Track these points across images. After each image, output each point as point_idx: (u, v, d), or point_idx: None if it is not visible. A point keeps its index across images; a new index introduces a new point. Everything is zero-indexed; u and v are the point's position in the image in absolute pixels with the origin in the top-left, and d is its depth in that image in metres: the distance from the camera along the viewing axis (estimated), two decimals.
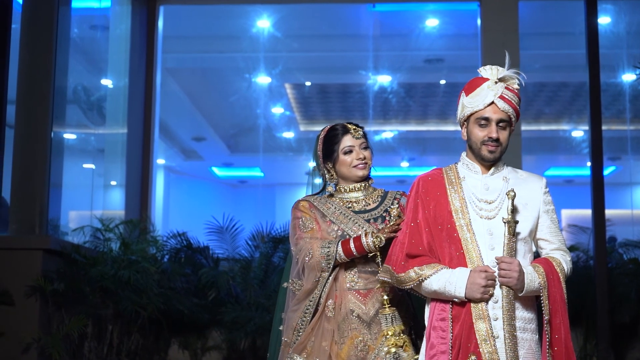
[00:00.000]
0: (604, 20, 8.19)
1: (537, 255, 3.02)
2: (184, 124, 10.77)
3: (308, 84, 9.88)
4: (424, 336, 2.93)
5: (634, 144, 9.38)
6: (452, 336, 2.83)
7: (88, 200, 7.44)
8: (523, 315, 2.87)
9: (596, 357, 6.33)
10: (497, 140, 2.93)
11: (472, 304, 2.82)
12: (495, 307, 2.82)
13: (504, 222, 2.84)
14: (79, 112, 7.42)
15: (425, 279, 2.85)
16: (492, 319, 2.81)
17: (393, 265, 2.93)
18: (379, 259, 3.09)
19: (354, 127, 3.33)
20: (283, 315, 3.34)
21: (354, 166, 3.29)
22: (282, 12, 8.76)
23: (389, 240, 3.07)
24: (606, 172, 6.96)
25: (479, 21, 7.72)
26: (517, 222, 2.86)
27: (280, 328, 3.33)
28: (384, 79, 9.39)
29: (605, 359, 6.24)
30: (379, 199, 3.32)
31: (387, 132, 10.42)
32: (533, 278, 2.82)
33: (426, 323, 2.94)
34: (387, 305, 3.09)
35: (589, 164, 6.86)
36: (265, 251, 6.61)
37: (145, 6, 7.79)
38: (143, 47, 7.74)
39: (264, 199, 10.74)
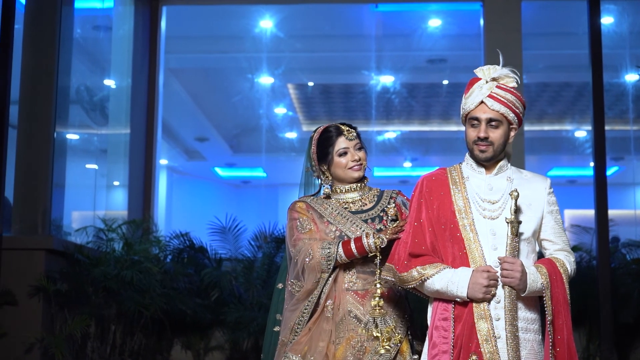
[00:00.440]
0: (606, 20, 8.18)
1: (541, 256, 3.01)
2: (186, 124, 10.78)
3: (311, 84, 9.88)
4: (427, 335, 2.93)
5: (636, 144, 9.37)
6: (453, 336, 2.82)
7: (91, 200, 7.45)
8: (525, 315, 2.87)
9: (599, 357, 6.33)
10: (485, 139, 2.92)
11: (474, 304, 2.82)
12: (498, 307, 2.82)
13: (507, 223, 2.84)
14: (81, 112, 7.43)
15: (427, 278, 2.85)
16: (494, 319, 2.81)
17: (396, 265, 2.93)
18: (378, 260, 3.08)
19: (347, 128, 3.31)
20: (278, 317, 3.33)
21: (349, 168, 3.27)
22: (285, 13, 8.76)
23: (390, 241, 3.07)
24: (609, 172, 6.95)
25: (481, 21, 7.72)
26: (520, 222, 2.85)
27: (275, 329, 3.33)
28: (386, 79, 9.39)
29: (608, 359, 6.24)
30: (375, 199, 3.31)
31: (390, 132, 10.42)
32: (536, 278, 2.82)
33: (429, 322, 2.93)
34: (377, 308, 3.06)
35: (592, 164, 6.86)
36: (268, 251, 6.61)
37: (148, 6, 7.80)
38: (146, 47, 7.75)
39: (266, 199, 10.74)
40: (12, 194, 6.02)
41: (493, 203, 2.94)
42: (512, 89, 2.93)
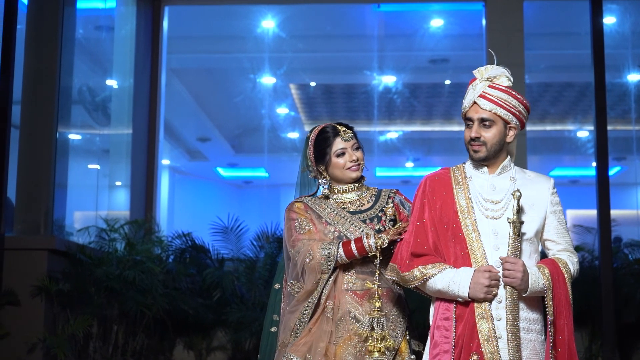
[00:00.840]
0: (609, 20, 8.18)
1: (544, 256, 3.01)
2: (188, 124, 10.78)
3: (313, 84, 9.88)
4: (429, 335, 2.93)
5: (639, 144, 9.36)
6: (455, 335, 2.83)
7: (93, 200, 7.45)
8: (527, 315, 2.87)
9: (602, 357, 6.32)
10: (477, 139, 2.92)
11: (475, 304, 2.82)
12: (499, 307, 2.82)
13: (509, 223, 2.84)
14: (84, 112, 7.43)
15: (429, 278, 2.85)
16: (495, 319, 2.81)
17: (398, 264, 2.94)
18: (378, 261, 3.08)
19: (344, 128, 3.30)
20: (275, 317, 3.32)
21: (348, 168, 3.27)
22: (287, 13, 8.76)
23: (390, 242, 3.07)
24: (611, 172, 6.96)
25: (483, 21, 7.72)
26: (522, 222, 2.85)
27: (272, 329, 3.31)
28: (388, 79, 9.39)
29: (610, 359, 6.23)
30: (373, 199, 3.31)
31: (392, 132, 10.42)
32: (537, 279, 2.81)
33: (431, 322, 2.94)
34: (376, 309, 3.06)
35: (594, 164, 6.85)
36: (270, 251, 6.61)
37: (150, 7, 7.80)
38: (148, 47, 7.75)
39: (268, 200, 10.74)
40: (14, 194, 6.03)
41: (495, 203, 2.93)
42: (506, 88, 2.92)
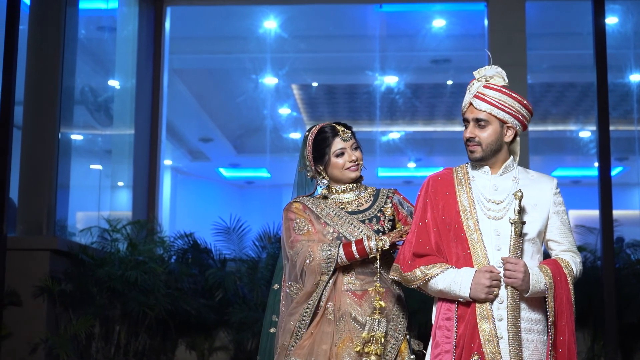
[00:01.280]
0: (611, 20, 8.18)
1: (547, 256, 3.00)
2: (191, 124, 10.79)
3: (315, 84, 9.88)
4: (430, 335, 2.93)
5: None
6: (456, 336, 2.83)
7: (95, 201, 7.46)
8: (529, 316, 2.86)
9: (604, 357, 6.32)
10: (472, 139, 2.92)
11: (476, 304, 2.82)
12: (500, 308, 2.82)
13: (511, 223, 2.83)
14: (86, 113, 7.44)
15: (431, 278, 2.85)
16: (496, 319, 2.81)
17: (401, 264, 2.94)
18: (378, 263, 3.07)
19: (342, 128, 3.29)
20: (274, 318, 3.30)
21: (347, 168, 3.26)
22: (289, 13, 8.77)
23: (391, 244, 3.07)
24: (614, 172, 6.95)
25: (485, 21, 7.71)
26: (524, 222, 2.85)
27: (271, 330, 3.29)
28: (390, 80, 9.39)
29: (612, 359, 6.23)
30: (372, 199, 3.30)
31: (394, 132, 10.42)
32: (539, 279, 2.81)
33: (433, 322, 2.94)
34: (377, 311, 3.05)
35: (596, 164, 6.84)
36: (272, 252, 6.61)
37: (152, 7, 7.81)
38: (150, 48, 7.76)
39: (270, 200, 10.74)
40: (16, 194, 6.04)
41: (498, 203, 2.93)
42: (501, 88, 2.92)
